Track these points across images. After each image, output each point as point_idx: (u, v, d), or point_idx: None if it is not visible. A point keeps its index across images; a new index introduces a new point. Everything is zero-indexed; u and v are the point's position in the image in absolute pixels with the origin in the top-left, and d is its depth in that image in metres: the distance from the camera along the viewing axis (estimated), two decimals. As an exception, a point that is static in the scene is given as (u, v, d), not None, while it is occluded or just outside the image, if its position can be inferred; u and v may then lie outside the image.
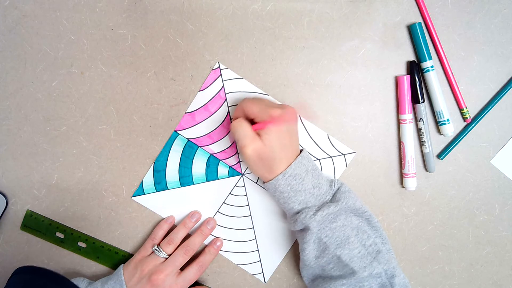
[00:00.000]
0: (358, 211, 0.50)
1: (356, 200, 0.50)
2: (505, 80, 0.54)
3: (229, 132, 0.55)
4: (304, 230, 0.49)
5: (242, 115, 0.50)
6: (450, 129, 0.54)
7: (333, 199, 0.50)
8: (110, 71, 0.54)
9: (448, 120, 0.53)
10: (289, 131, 0.49)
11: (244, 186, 0.56)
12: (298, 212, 0.49)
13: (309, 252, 0.49)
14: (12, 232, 0.57)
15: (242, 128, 0.48)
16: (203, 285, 0.57)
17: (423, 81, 0.54)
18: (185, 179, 0.56)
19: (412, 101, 0.54)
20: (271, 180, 0.48)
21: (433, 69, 0.52)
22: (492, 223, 0.57)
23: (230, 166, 0.56)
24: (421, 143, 0.55)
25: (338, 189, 0.51)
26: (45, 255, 0.58)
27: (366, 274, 0.47)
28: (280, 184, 0.48)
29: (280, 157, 0.48)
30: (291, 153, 0.49)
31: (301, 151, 0.51)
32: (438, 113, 0.53)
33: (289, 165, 0.48)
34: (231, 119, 0.55)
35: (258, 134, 0.48)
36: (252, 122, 0.50)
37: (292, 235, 0.57)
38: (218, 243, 0.56)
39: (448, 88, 0.54)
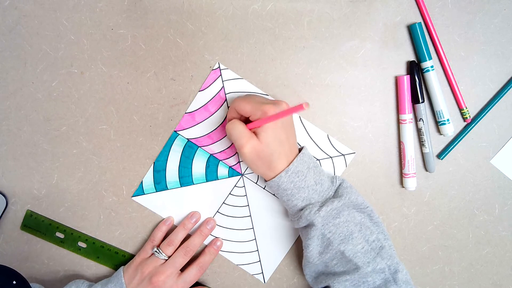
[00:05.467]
0: (360, 207, 0.50)
1: (358, 195, 0.50)
2: (505, 80, 0.54)
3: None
4: (309, 226, 0.49)
5: (235, 116, 0.50)
6: (450, 129, 0.54)
7: (336, 194, 0.50)
8: (110, 71, 0.54)
9: (448, 120, 0.53)
10: (284, 126, 0.48)
11: (244, 186, 0.56)
12: (301, 209, 0.49)
13: (313, 248, 0.49)
14: (12, 232, 0.57)
15: (237, 129, 0.48)
16: (203, 285, 0.57)
17: (423, 81, 0.54)
18: (185, 179, 0.56)
19: (412, 101, 0.54)
20: (274, 178, 0.48)
21: (433, 69, 0.52)
22: (492, 223, 0.57)
23: (230, 167, 0.56)
24: (421, 143, 0.55)
25: (339, 185, 0.51)
26: (45, 255, 0.58)
27: (369, 269, 0.47)
28: (283, 182, 0.48)
29: (279, 152, 0.48)
30: (288, 147, 0.49)
31: (301, 149, 0.51)
32: (438, 113, 0.53)
33: (290, 161, 0.48)
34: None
35: (254, 132, 0.48)
36: (246, 120, 0.50)
37: (292, 235, 0.57)
38: (218, 243, 0.56)
39: (448, 88, 0.54)
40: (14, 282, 0.45)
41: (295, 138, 0.51)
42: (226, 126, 0.49)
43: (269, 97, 0.54)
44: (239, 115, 0.50)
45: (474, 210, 0.57)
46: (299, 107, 0.41)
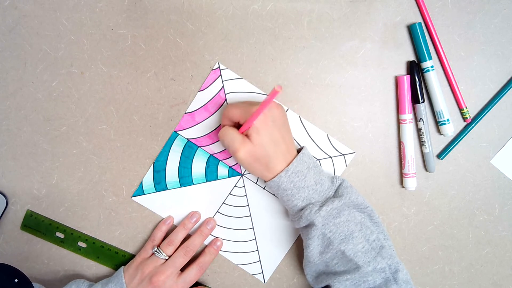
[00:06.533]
0: (360, 207, 0.50)
1: (358, 195, 0.50)
2: (505, 80, 0.54)
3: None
4: (309, 226, 0.49)
5: (228, 124, 0.50)
6: (450, 129, 0.54)
7: (336, 194, 0.50)
8: (110, 71, 0.54)
9: (448, 120, 0.53)
10: (277, 125, 0.48)
11: (244, 186, 0.56)
12: (302, 209, 0.49)
13: (314, 248, 0.49)
14: (12, 232, 0.57)
15: (229, 135, 0.48)
16: (203, 285, 0.57)
17: (423, 81, 0.54)
18: (185, 179, 0.56)
19: (412, 101, 0.54)
20: (273, 178, 0.48)
21: (433, 69, 0.52)
22: (492, 223, 0.57)
23: (230, 166, 0.56)
24: (421, 143, 0.55)
25: (340, 184, 0.51)
26: (45, 255, 0.58)
27: (370, 269, 0.47)
28: (283, 182, 0.48)
29: (275, 153, 0.48)
30: (285, 147, 0.48)
31: (300, 149, 0.51)
32: (438, 113, 0.53)
33: (289, 162, 0.48)
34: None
35: (248, 136, 0.47)
36: (239, 126, 0.50)
37: (292, 235, 0.57)
38: (218, 243, 0.56)
39: (448, 88, 0.54)
40: (16, 280, 0.45)
41: (291, 138, 0.51)
42: (219, 134, 0.49)
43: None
44: (232, 122, 0.50)
45: (474, 210, 0.57)
46: (274, 93, 0.41)
